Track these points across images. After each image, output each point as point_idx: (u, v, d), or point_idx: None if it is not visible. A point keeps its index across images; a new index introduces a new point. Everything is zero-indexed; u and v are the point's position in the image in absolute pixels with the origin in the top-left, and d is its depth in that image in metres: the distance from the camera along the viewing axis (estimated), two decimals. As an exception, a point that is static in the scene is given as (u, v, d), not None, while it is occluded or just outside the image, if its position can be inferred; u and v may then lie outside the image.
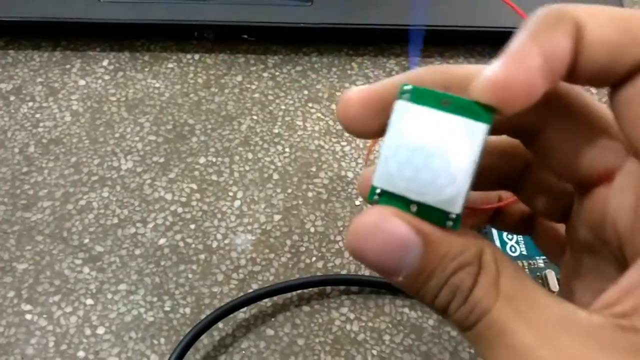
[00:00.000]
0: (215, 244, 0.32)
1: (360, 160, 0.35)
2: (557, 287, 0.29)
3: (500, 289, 0.15)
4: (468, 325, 0.15)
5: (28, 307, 0.30)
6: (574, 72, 0.15)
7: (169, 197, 0.33)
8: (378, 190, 0.15)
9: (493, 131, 0.15)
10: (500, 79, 0.14)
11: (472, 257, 0.15)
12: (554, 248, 0.20)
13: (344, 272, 0.31)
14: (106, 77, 0.38)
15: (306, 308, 0.30)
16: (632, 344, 0.13)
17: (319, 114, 0.37)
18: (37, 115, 0.36)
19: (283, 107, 0.37)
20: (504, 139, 0.18)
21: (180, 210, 0.33)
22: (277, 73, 0.38)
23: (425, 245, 0.15)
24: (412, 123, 0.15)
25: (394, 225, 0.15)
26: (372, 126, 0.16)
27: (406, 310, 0.30)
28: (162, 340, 0.29)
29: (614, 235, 0.16)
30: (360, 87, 0.16)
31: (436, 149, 0.15)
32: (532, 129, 0.17)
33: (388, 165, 0.15)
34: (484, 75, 0.14)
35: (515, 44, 0.14)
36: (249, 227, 0.32)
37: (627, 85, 0.15)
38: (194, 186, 0.34)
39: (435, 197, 0.15)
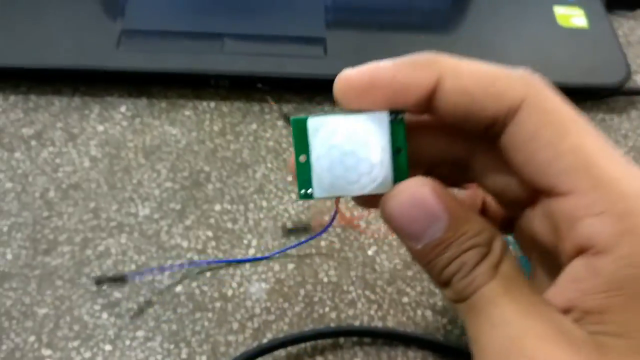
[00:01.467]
0: (230, 292, 0.33)
1: (372, 209, 0.36)
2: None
3: (499, 271, 0.17)
4: (465, 296, 0.17)
5: (48, 352, 0.31)
6: (433, 109, 0.18)
7: (185, 244, 0.34)
8: (309, 191, 0.19)
9: (430, 156, 0.20)
10: (347, 75, 0.18)
11: (485, 240, 0.17)
12: (529, 247, 0.22)
13: (357, 322, 0.32)
14: (124, 123, 0.39)
15: (320, 359, 0.31)
16: (581, 335, 0.16)
17: (331, 163, 0.38)
18: (57, 160, 0.37)
19: (296, 155, 0.38)
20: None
21: (196, 257, 0.34)
22: (290, 122, 0.39)
23: (450, 221, 0.17)
24: (327, 133, 0.18)
25: (428, 196, 0.17)
26: (369, 102, 0.18)
27: (417, 360, 0.31)
28: (179, 388, 0.30)
29: (545, 248, 0.19)
30: (355, 70, 0.18)
31: (353, 146, 0.18)
32: (462, 160, 0.20)
33: (320, 176, 0.18)
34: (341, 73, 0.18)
35: (379, 62, 0.18)
36: (263, 276, 0.33)
37: (505, 134, 0.18)
38: (210, 233, 0.35)
39: (369, 187, 0.18)
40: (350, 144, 0.17)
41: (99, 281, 0.32)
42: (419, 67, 0.18)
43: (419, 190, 0.17)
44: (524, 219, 0.19)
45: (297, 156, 0.18)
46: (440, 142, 0.20)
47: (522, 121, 0.17)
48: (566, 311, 0.17)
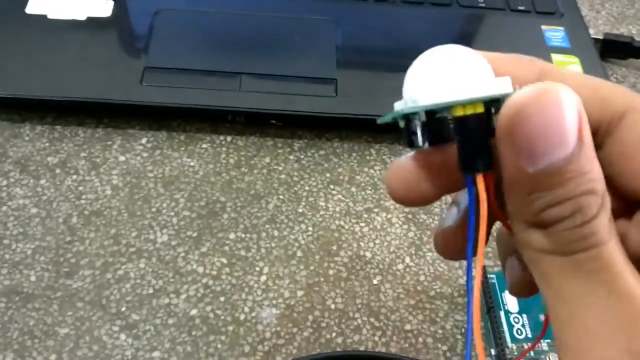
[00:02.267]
0: (242, 317, 0.34)
1: (377, 241, 0.38)
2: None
3: (613, 233, 0.15)
4: (572, 250, 0.15)
5: (68, 371, 0.32)
6: None
7: (200, 270, 0.36)
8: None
9: None
10: None
11: (603, 190, 0.15)
12: (518, 282, 0.20)
13: (361, 348, 0.33)
14: (144, 155, 0.41)
15: (327, 381, 0.32)
16: None
17: (340, 196, 0.40)
18: (80, 188, 0.39)
19: (307, 188, 0.40)
20: None
21: (211, 282, 0.36)
22: (302, 156, 0.42)
23: (581, 152, 0.14)
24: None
25: (571, 113, 0.14)
26: (421, 192, 0.17)
27: (419, 386, 0.32)
28: (193, 407, 0.31)
29: None
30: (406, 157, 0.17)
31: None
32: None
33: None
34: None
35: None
36: (274, 302, 0.35)
37: (607, 142, 0.17)
38: (224, 260, 0.36)
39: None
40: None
41: None
42: (521, 63, 0.17)
43: (565, 99, 0.14)
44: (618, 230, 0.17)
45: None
46: None
47: (627, 128, 0.16)
48: None
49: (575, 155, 0.14)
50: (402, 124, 0.17)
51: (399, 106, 0.16)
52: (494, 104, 0.16)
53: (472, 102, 0.15)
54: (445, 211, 0.20)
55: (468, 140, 0.16)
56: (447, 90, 0.15)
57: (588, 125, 0.15)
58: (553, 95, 0.14)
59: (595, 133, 0.16)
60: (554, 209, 0.15)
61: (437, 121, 0.16)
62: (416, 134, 0.16)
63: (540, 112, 0.14)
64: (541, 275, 0.15)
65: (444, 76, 0.16)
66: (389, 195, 0.18)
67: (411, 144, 0.17)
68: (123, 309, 0.34)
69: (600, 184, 0.15)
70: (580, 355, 0.15)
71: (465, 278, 0.36)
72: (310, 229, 0.38)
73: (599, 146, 0.16)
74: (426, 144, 0.16)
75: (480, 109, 0.15)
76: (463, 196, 0.19)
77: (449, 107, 0.16)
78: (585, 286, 0.15)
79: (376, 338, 0.34)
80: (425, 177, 0.17)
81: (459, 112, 0.15)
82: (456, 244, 0.19)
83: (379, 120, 0.18)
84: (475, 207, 0.16)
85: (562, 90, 0.14)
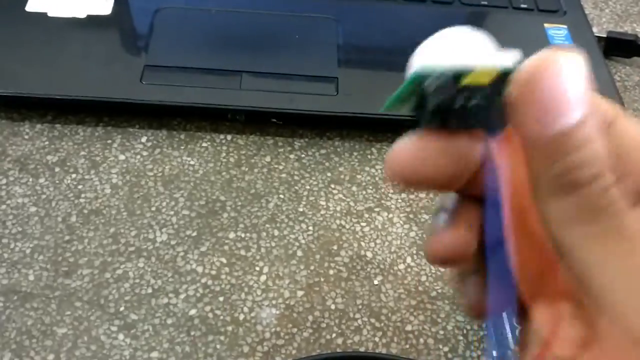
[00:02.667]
0: (242, 317, 0.34)
1: (378, 241, 0.37)
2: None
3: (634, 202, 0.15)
4: (598, 209, 0.14)
5: (66, 371, 0.32)
6: None
7: (200, 269, 0.36)
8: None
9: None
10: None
11: (608, 162, 0.14)
12: (477, 304, 0.20)
13: (362, 349, 0.33)
14: (144, 153, 0.41)
15: (327, 382, 0.32)
16: None
17: (341, 195, 0.40)
18: (80, 187, 0.39)
19: (308, 187, 0.40)
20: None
21: (210, 282, 0.35)
22: (302, 155, 0.41)
23: (595, 113, 0.14)
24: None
25: (583, 71, 0.14)
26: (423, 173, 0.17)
27: (420, 387, 0.32)
28: (191, 408, 0.31)
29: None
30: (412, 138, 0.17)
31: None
32: None
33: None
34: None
35: None
36: (274, 302, 0.35)
37: None
38: (224, 260, 0.36)
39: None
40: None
41: None
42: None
43: (575, 64, 0.14)
44: None
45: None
46: None
47: None
48: None
49: (593, 118, 0.14)
50: (412, 99, 0.17)
51: (415, 69, 0.16)
52: (504, 77, 0.16)
53: (490, 70, 0.15)
54: (433, 219, 0.20)
55: (484, 108, 0.16)
56: (464, 58, 0.15)
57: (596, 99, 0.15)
58: (558, 62, 0.14)
59: None
60: (574, 173, 0.14)
61: (446, 99, 0.16)
62: (425, 107, 0.16)
63: (549, 78, 0.14)
64: (569, 248, 0.15)
65: (458, 46, 0.16)
66: (388, 175, 0.17)
67: (419, 118, 0.17)
68: (122, 308, 0.34)
69: (604, 160, 0.14)
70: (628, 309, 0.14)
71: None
72: (310, 228, 0.38)
73: None
74: (436, 120, 0.16)
75: (495, 76, 0.16)
76: (449, 201, 0.19)
77: (465, 73, 0.16)
78: (617, 251, 0.14)
79: (377, 339, 0.34)
80: (429, 157, 0.17)
81: (479, 79, 0.16)
82: (449, 247, 0.19)
83: (386, 105, 0.17)
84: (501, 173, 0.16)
85: (567, 57, 0.14)
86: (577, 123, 0.14)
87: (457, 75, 0.16)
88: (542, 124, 0.14)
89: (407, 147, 0.17)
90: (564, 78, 0.14)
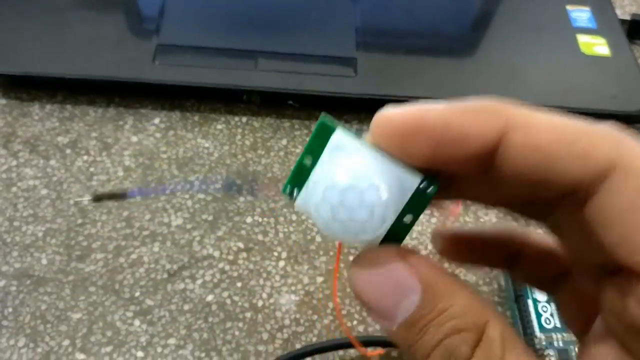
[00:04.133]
0: (260, 303, 0.33)
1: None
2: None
3: None
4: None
5: (82, 357, 0.31)
6: (494, 168, 0.14)
7: (217, 254, 0.35)
8: (294, 194, 0.16)
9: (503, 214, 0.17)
10: (389, 114, 0.15)
11: (471, 324, 0.14)
12: (577, 318, 0.18)
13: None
14: (157, 135, 0.40)
15: (349, 370, 0.31)
16: None
17: (359, 180, 0.39)
18: (92, 169, 0.38)
19: (325, 171, 0.39)
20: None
21: (227, 267, 0.34)
22: (319, 138, 0.40)
23: (424, 293, 0.14)
24: (344, 159, 0.15)
25: (398, 265, 0.15)
26: (411, 151, 0.15)
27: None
28: (210, 396, 0.30)
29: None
30: (400, 109, 0.15)
31: (360, 189, 0.15)
32: (543, 205, 0.16)
33: (312, 192, 0.16)
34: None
35: (430, 103, 0.15)
36: (293, 288, 0.34)
37: (590, 204, 0.14)
38: (241, 245, 0.35)
39: (351, 235, 0.15)
40: (359, 186, 0.15)
41: (98, 198, 0.35)
42: (480, 114, 0.14)
43: (387, 259, 0.15)
44: (605, 293, 0.15)
45: (304, 154, 0.16)
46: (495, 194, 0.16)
47: (610, 193, 0.13)
48: None
49: (422, 298, 0.14)
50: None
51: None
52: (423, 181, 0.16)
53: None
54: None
55: None
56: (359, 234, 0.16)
57: (432, 265, 0.15)
58: (376, 262, 0.15)
59: (572, 193, 0.14)
60: (430, 359, 0.14)
61: None
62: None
63: (372, 279, 0.15)
64: None
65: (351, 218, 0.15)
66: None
67: None
68: (137, 294, 0.33)
69: (466, 317, 0.14)
70: None
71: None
72: (329, 213, 0.37)
73: (578, 205, 0.14)
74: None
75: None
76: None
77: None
78: None
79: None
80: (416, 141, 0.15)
81: None
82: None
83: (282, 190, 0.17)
84: None
85: (383, 254, 0.15)
86: (412, 312, 0.14)
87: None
88: (381, 321, 0.15)
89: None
90: (380, 279, 0.15)
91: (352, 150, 0.15)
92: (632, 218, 0.13)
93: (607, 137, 0.14)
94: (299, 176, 0.16)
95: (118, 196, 0.35)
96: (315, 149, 0.16)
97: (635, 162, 0.13)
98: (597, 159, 0.14)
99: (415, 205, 0.15)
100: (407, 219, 0.16)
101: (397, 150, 0.15)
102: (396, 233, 0.16)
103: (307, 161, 0.16)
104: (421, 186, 0.15)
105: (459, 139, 0.14)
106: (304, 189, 0.16)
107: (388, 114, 0.15)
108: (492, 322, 0.14)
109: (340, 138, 0.16)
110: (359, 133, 0.15)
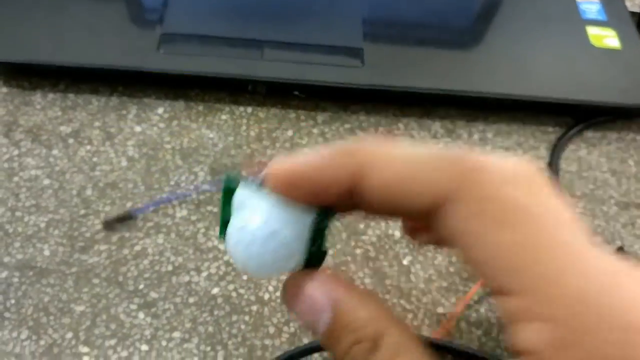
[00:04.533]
0: (267, 296, 0.33)
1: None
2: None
3: None
4: None
5: (85, 350, 0.31)
6: (359, 203, 0.17)
7: (222, 246, 0.34)
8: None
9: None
10: (275, 167, 0.17)
11: (368, 335, 0.16)
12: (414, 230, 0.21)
13: (393, 331, 0.32)
14: (161, 125, 0.39)
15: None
16: None
17: (366, 172, 0.38)
18: (95, 159, 0.38)
19: (331, 163, 0.38)
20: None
21: (233, 260, 0.34)
22: (326, 130, 0.40)
23: (334, 310, 0.17)
24: (249, 212, 0.17)
25: (310, 288, 0.17)
26: (298, 197, 0.17)
27: (452, 371, 0.31)
28: (216, 390, 0.30)
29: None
30: (283, 162, 0.17)
31: (271, 229, 0.17)
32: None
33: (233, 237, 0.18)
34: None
35: (306, 154, 0.17)
36: (300, 281, 0.33)
37: (442, 221, 0.16)
38: (246, 237, 0.35)
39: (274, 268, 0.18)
40: (261, 235, 0.17)
41: (107, 225, 0.35)
42: (336, 162, 0.16)
43: (303, 283, 0.17)
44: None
45: (222, 210, 0.18)
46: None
47: (449, 215, 0.15)
48: None
49: (332, 317, 0.17)
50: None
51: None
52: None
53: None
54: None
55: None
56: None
57: (344, 286, 0.17)
58: (295, 287, 0.17)
59: (425, 217, 0.16)
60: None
61: None
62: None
63: (295, 300, 0.17)
64: None
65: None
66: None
67: None
68: (141, 286, 0.33)
69: (364, 330, 0.16)
70: None
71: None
72: (335, 205, 0.36)
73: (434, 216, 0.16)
74: None
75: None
76: None
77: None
78: None
79: (407, 320, 0.32)
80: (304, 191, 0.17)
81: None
82: None
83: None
84: None
85: (299, 278, 0.17)
86: (325, 326, 0.17)
87: None
88: (310, 329, 0.18)
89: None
90: (302, 302, 0.17)
91: (253, 203, 0.17)
92: (465, 240, 0.15)
93: (451, 165, 0.15)
94: (224, 226, 0.18)
95: (126, 218, 0.35)
96: (225, 205, 0.18)
97: (473, 186, 0.15)
98: (433, 190, 0.15)
99: (317, 235, 0.18)
100: (315, 247, 0.18)
101: (289, 196, 0.17)
102: (311, 260, 0.18)
103: (226, 214, 0.18)
104: (316, 221, 0.17)
105: (324, 186, 0.16)
106: (226, 235, 0.18)
107: (275, 168, 0.17)
108: (390, 332, 0.16)
109: (240, 197, 0.18)
110: (259, 186, 0.17)
